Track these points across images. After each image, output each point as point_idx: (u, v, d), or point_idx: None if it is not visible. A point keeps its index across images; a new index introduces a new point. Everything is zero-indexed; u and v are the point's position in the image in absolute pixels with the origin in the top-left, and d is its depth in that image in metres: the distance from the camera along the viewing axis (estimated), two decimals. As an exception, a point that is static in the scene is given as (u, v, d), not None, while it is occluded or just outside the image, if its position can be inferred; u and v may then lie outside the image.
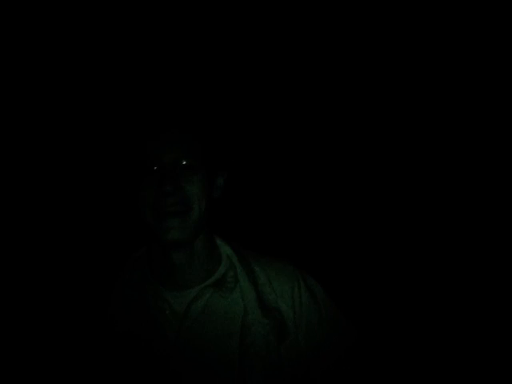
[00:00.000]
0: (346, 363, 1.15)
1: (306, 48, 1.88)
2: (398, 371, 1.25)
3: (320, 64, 1.87)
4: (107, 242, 1.90)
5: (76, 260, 1.90)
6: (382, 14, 1.79)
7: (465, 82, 1.78)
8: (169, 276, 1.13)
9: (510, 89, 1.80)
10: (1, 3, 1.86)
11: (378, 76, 1.87)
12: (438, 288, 1.87)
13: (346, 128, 1.94)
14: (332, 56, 1.86)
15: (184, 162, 1.07)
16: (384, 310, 1.80)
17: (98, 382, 1.08)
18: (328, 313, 1.16)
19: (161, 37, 1.58)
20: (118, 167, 1.15)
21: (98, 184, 1.96)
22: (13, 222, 1.93)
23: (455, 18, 1.74)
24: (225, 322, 1.10)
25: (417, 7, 1.76)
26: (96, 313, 1.13)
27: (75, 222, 1.98)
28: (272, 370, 1.07)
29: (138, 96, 1.18)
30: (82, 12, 1.90)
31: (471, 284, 1.85)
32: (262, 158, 1.86)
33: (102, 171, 1.91)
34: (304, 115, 1.95)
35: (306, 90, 1.92)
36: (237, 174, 1.24)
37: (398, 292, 1.86)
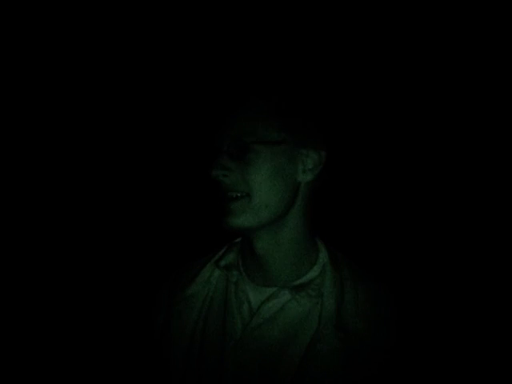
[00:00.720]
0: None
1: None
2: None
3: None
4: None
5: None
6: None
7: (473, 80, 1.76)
8: (254, 267, 1.07)
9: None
10: (1, 3, 1.85)
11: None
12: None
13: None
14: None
15: (244, 142, 0.98)
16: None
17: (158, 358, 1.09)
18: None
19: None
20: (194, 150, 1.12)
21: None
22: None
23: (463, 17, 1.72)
24: (294, 330, 1.03)
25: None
26: (176, 290, 1.12)
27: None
28: None
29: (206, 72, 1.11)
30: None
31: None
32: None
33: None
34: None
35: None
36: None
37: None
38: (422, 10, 1.69)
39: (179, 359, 1.09)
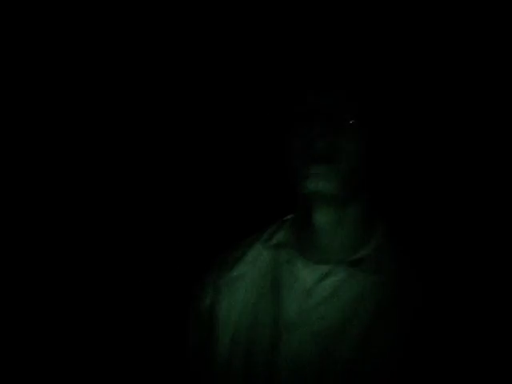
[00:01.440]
0: None
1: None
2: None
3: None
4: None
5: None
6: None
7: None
8: (309, 243, 1.00)
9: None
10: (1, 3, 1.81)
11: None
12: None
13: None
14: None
15: (341, 114, 0.95)
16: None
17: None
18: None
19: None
20: (266, 115, 1.07)
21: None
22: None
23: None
24: (353, 309, 0.96)
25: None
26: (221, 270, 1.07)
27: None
28: (384, 375, 0.93)
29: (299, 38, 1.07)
30: None
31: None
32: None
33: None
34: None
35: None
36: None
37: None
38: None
39: (226, 343, 1.02)
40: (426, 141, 1.62)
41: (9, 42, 1.84)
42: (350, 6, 1.08)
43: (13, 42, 1.84)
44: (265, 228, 1.10)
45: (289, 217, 1.09)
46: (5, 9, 1.82)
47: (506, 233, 1.63)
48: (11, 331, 1.75)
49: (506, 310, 0.99)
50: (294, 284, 1.00)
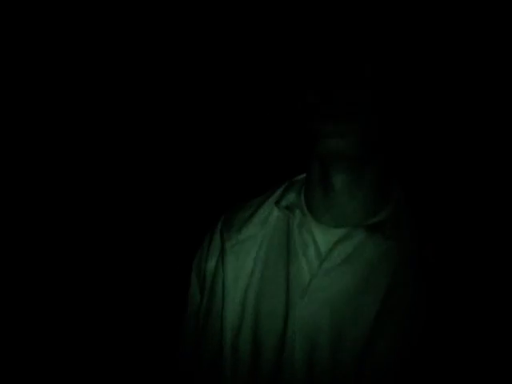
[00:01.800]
0: None
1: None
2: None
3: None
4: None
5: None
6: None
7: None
8: (324, 205, 0.94)
9: None
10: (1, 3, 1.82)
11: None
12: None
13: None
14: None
15: (358, 70, 0.88)
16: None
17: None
18: None
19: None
20: (282, 71, 0.97)
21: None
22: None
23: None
24: (370, 275, 0.90)
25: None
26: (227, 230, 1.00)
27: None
28: (405, 346, 0.87)
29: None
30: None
31: None
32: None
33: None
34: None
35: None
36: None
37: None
38: None
39: (233, 308, 0.94)
40: (444, 108, 1.54)
41: (9, 41, 1.83)
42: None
43: (13, 41, 1.84)
44: (273, 188, 1.03)
45: (299, 177, 1.02)
46: (5, 9, 1.82)
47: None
48: (9, 331, 1.72)
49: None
50: (307, 248, 0.93)
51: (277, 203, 0.98)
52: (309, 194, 0.97)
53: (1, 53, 1.82)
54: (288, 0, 1.10)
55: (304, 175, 1.01)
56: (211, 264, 1.01)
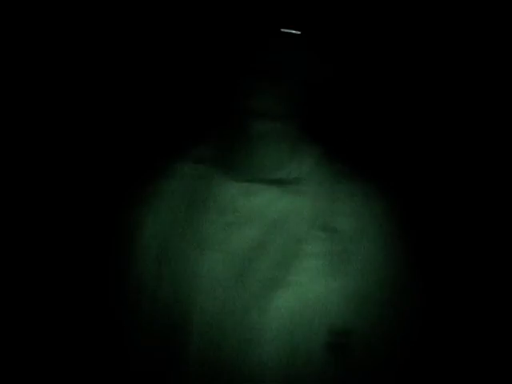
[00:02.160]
0: None
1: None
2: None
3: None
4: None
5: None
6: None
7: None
8: (236, 159, 0.93)
9: None
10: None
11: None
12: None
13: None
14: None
15: (285, 24, 0.85)
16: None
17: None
18: None
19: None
20: None
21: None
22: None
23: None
24: (276, 230, 0.89)
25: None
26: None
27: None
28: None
29: None
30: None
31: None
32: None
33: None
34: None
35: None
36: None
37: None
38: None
39: (149, 266, 0.93)
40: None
41: (9, 41, 1.80)
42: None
43: (13, 41, 1.81)
44: (185, 140, 1.01)
45: (212, 131, 1.00)
46: (5, 9, 1.80)
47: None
48: (7, 331, 1.67)
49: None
50: (214, 202, 0.91)
51: (186, 156, 0.97)
52: (220, 148, 0.95)
53: (1, 53, 1.79)
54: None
55: (217, 127, 0.99)
56: (132, 216, 0.98)
